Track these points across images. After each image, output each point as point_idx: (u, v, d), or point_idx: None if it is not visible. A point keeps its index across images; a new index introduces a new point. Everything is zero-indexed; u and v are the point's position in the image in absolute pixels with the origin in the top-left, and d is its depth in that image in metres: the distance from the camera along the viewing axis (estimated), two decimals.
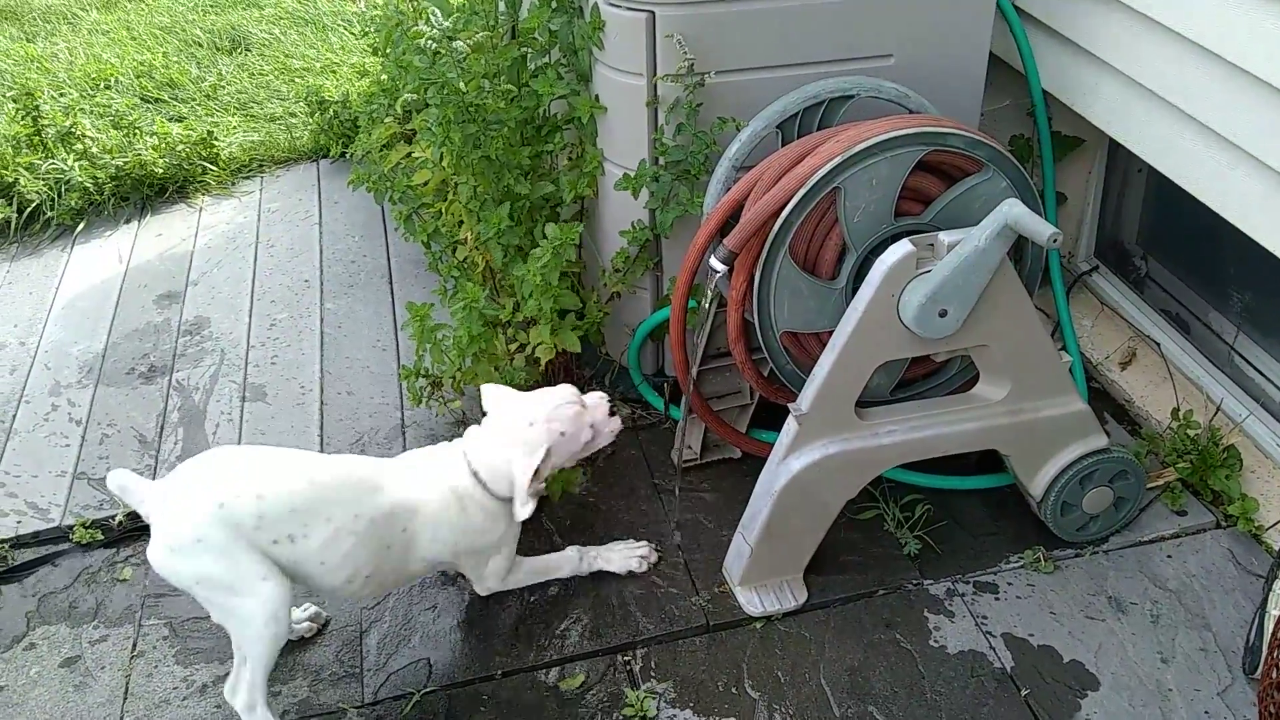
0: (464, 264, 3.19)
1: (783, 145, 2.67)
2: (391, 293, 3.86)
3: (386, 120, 3.73)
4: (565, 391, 2.51)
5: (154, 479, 3.04)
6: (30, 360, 3.69)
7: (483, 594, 2.60)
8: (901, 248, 2.38)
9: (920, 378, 2.74)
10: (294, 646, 2.63)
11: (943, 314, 2.41)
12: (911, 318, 2.41)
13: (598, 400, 2.56)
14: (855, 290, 2.47)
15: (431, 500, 2.39)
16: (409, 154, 3.49)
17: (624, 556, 2.76)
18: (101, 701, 2.54)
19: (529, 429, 2.42)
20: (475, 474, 2.42)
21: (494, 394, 2.52)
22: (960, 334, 2.47)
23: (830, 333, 2.53)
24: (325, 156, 4.79)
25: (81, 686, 2.58)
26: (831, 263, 2.56)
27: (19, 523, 3.02)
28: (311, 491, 2.23)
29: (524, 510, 2.35)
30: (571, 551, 2.72)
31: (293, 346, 3.63)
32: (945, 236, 2.38)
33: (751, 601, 2.67)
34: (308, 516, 2.21)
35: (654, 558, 2.78)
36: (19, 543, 2.97)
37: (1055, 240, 2.23)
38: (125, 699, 2.54)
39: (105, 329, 3.80)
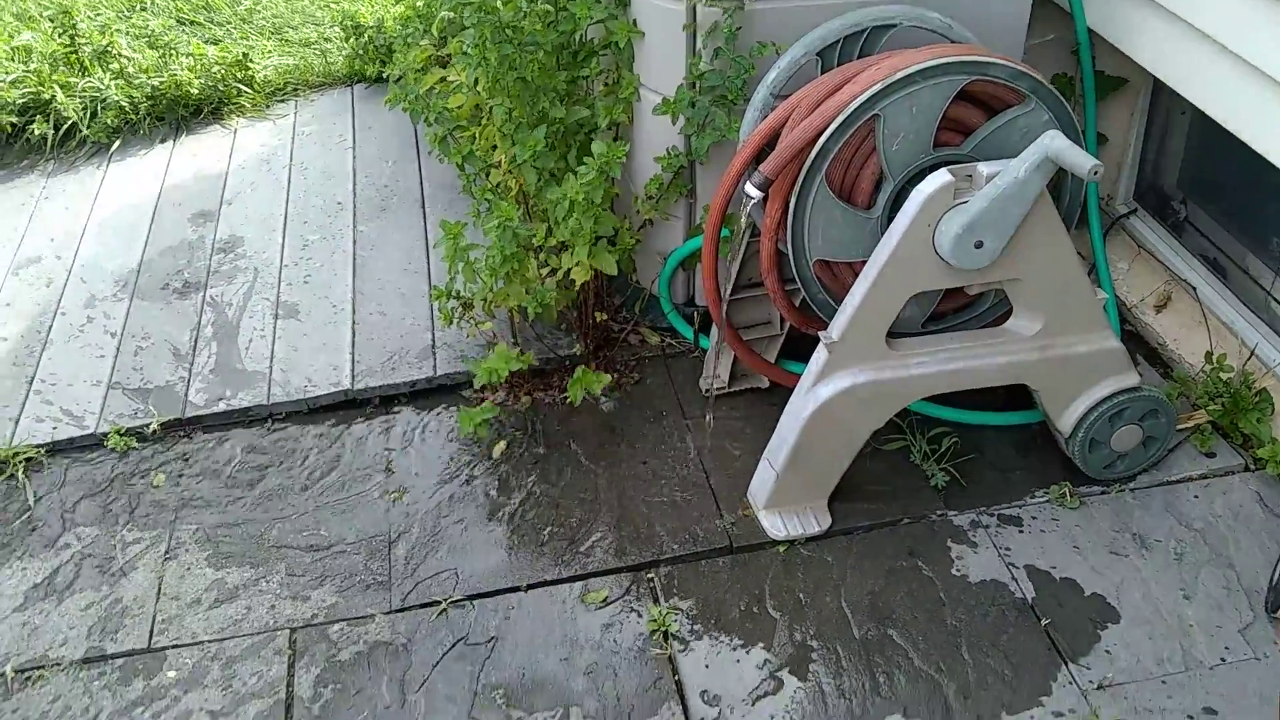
0: (497, 188, 3.19)
1: (822, 73, 2.65)
2: (424, 217, 3.87)
3: (422, 44, 3.71)
4: None
5: (187, 391, 3.12)
6: (66, 274, 3.72)
7: None
8: (940, 177, 2.37)
9: (953, 311, 2.73)
10: (322, 552, 2.67)
11: (979, 245, 2.40)
12: (947, 248, 2.40)
13: None
14: (891, 220, 2.47)
15: None
16: (444, 78, 3.48)
17: None
18: (134, 599, 2.60)
19: None
20: None
21: None
22: (996, 266, 2.46)
23: (864, 262, 2.53)
24: (359, 81, 4.78)
25: (115, 586, 2.64)
26: (868, 191, 2.55)
27: (55, 429, 3.07)
28: None
29: None
30: None
31: (325, 266, 3.65)
32: (984, 167, 2.37)
33: (775, 525, 2.69)
34: None
35: None
36: (55, 448, 3.02)
37: (1096, 173, 2.21)
38: (157, 599, 2.59)
39: (140, 245, 3.83)
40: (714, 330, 3.04)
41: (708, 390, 3.09)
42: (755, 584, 2.57)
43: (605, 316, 3.18)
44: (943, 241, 2.41)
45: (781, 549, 2.65)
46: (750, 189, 2.53)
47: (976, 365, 2.61)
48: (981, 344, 2.62)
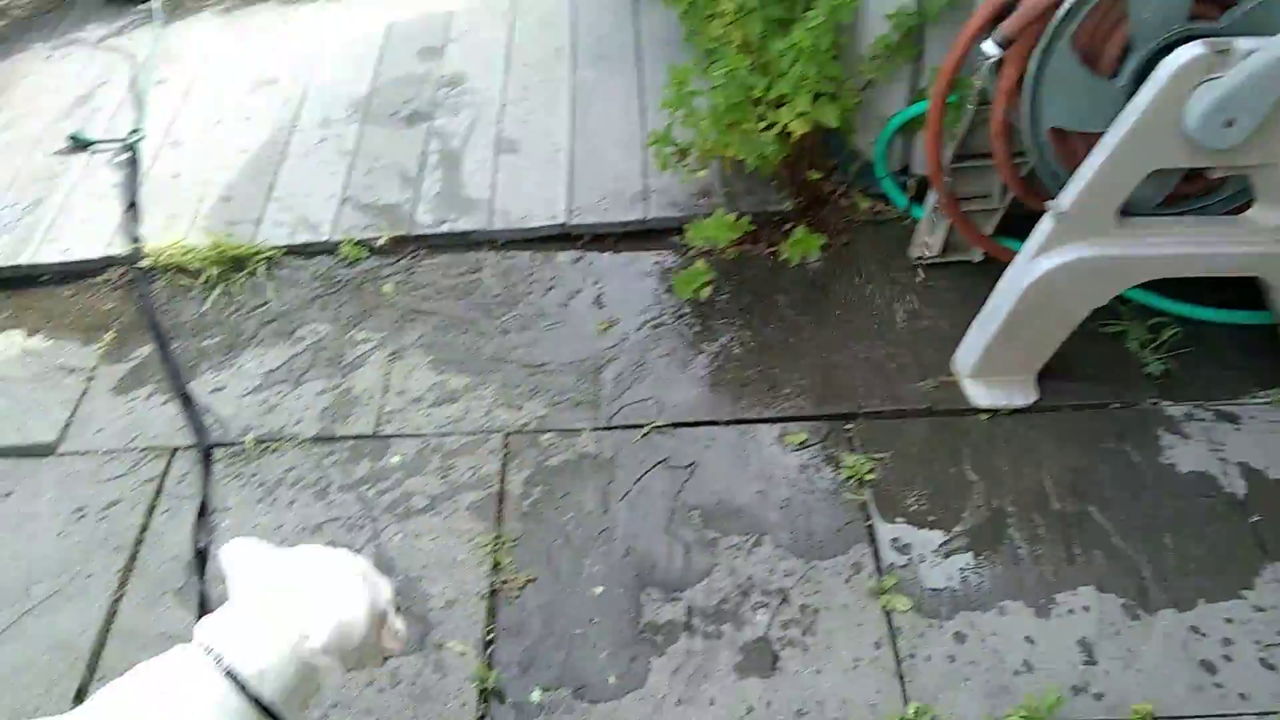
0: (719, 40, 3.19)
1: None
2: (639, 68, 3.91)
3: None
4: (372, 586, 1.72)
5: (414, 211, 3.27)
6: (302, 96, 3.91)
7: None
8: (1193, 48, 2.27)
9: (1190, 195, 2.64)
10: (535, 369, 2.81)
11: (1229, 124, 2.30)
12: (1194, 125, 2.31)
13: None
14: (1135, 90, 2.39)
15: None
16: None
17: None
18: (363, 391, 2.79)
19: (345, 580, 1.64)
20: (230, 673, 1.51)
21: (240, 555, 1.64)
22: (1245, 148, 2.36)
23: (1100, 135, 2.46)
24: None
25: (346, 378, 2.84)
26: (1113, 59, 2.46)
27: (292, 233, 3.28)
28: None
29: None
30: None
31: (544, 108, 3.74)
32: (1244, 43, 2.26)
33: (979, 394, 2.70)
34: None
35: None
36: (292, 250, 3.23)
37: None
38: (384, 393, 2.78)
39: (370, 75, 3.99)
40: (929, 199, 3.01)
41: (918, 258, 3.08)
42: (954, 447, 2.59)
43: (819, 175, 3.18)
44: (1190, 117, 2.32)
45: (984, 417, 2.66)
46: (988, 47, 2.48)
47: (1210, 253, 2.53)
48: (1218, 231, 2.54)
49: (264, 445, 2.68)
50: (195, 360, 2.93)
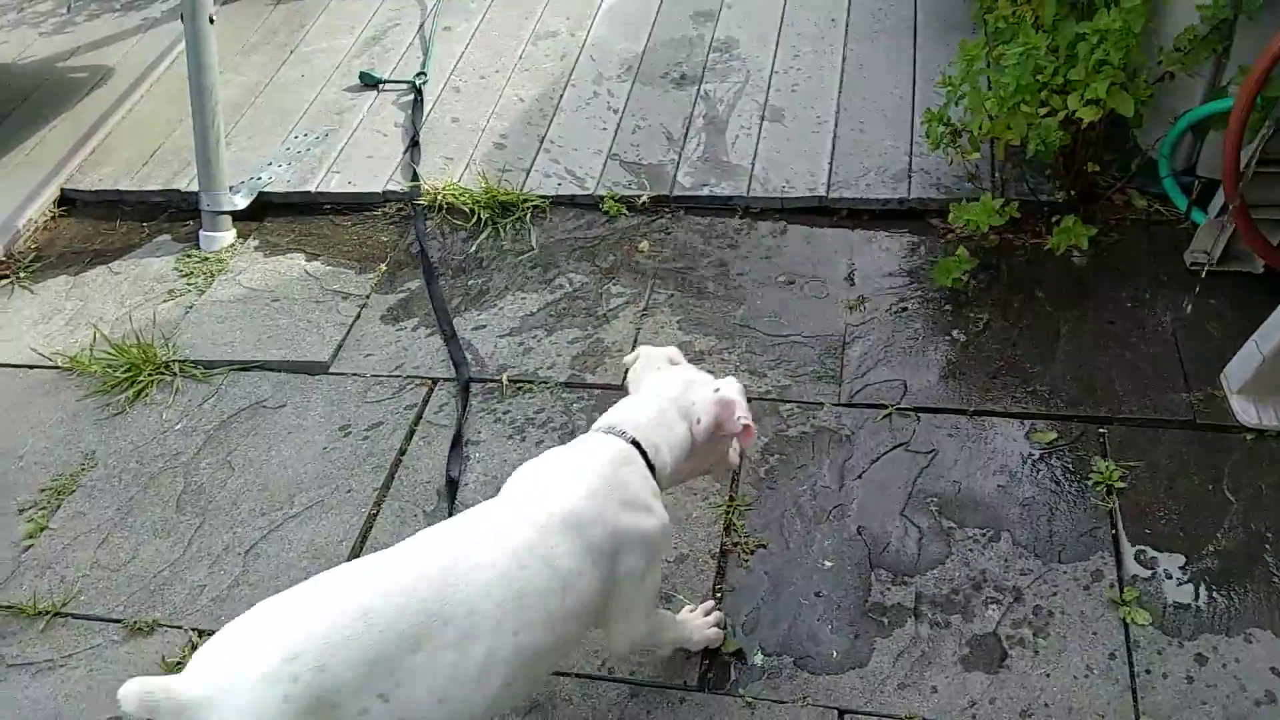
0: (1010, 18, 3.09)
1: None
2: (914, 46, 3.84)
3: None
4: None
5: (675, 172, 3.33)
6: (578, 51, 4.04)
7: (622, 651, 2.03)
8: None
9: None
10: (781, 340, 2.83)
11: None
12: None
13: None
14: None
15: (579, 490, 1.79)
16: None
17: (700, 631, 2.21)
18: (613, 342, 2.90)
19: (717, 384, 2.00)
20: (635, 443, 1.89)
21: (648, 362, 2.09)
22: None
23: None
24: None
25: (598, 329, 2.95)
26: None
27: (559, 185, 3.41)
28: (380, 627, 1.57)
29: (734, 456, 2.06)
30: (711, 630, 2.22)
31: (813, 79, 3.73)
32: None
33: (1247, 411, 2.55)
34: (402, 657, 1.58)
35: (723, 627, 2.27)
36: (558, 200, 3.36)
37: None
38: (634, 346, 2.86)
39: (645, 34, 4.07)
40: (1213, 204, 2.85)
41: (1194, 264, 2.92)
42: (1214, 464, 2.47)
43: (1096, 168, 3.06)
44: None
45: (1249, 436, 2.51)
46: None
47: None
48: None
49: (518, 385, 2.82)
50: (460, 298, 3.10)
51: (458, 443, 2.69)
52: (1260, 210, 2.81)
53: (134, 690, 1.46)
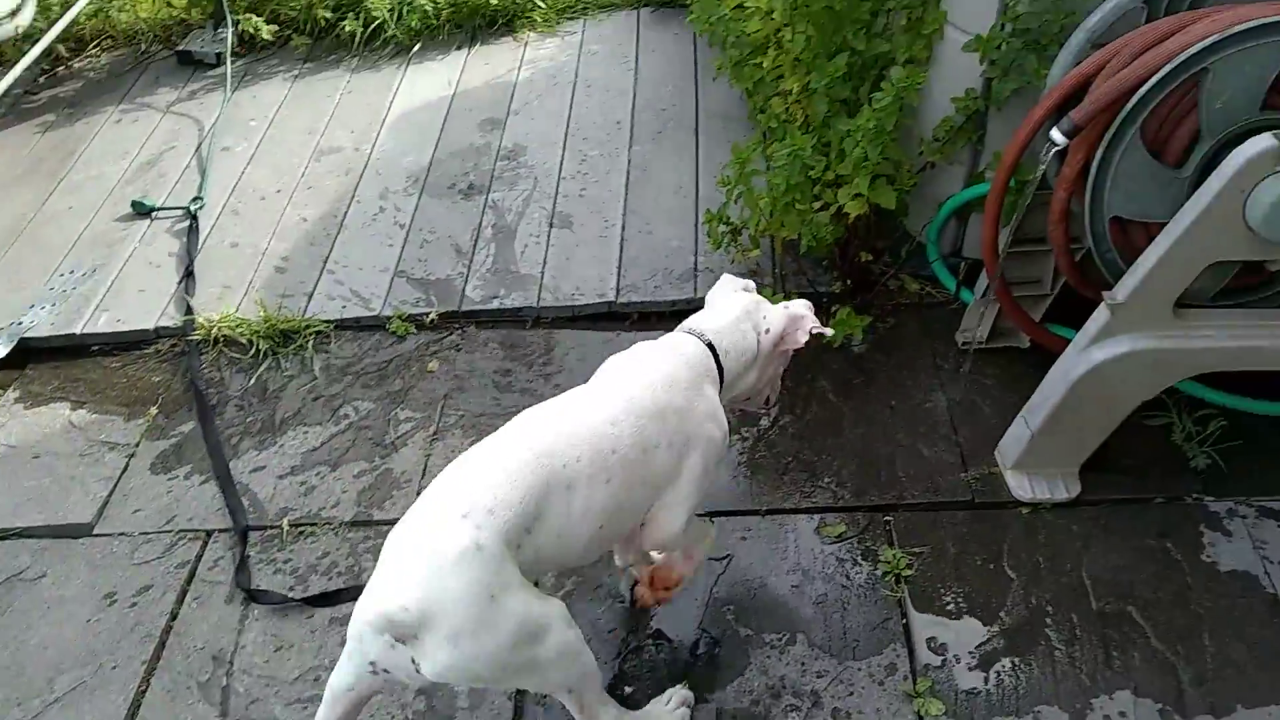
0: (782, 117, 3.19)
1: (1147, 21, 2.51)
2: (696, 144, 3.92)
3: None
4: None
5: (465, 286, 3.30)
6: (363, 165, 3.98)
7: (653, 544, 2.15)
8: (1262, 141, 2.21)
9: (1246, 287, 2.57)
10: None
11: None
12: (1259, 218, 2.25)
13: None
14: (1200, 181, 2.33)
15: (651, 401, 2.04)
16: (740, 4, 3.49)
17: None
18: (402, 473, 2.80)
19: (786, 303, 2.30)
20: (710, 346, 2.18)
21: (726, 284, 2.37)
22: None
23: (1160, 226, 2.40)
24: (646, 5, 4.85)
25: (386, 459, 2.85)
26: (1180, 149, 2.41)
27: (344, 308, 3.32)
28: (518, 476, 1.88)
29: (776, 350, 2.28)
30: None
31: (600, 183, 3.76)
32: None
33: (1022, 486, 2.63)
34: (541, 498, 1.88)
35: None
36: (342, 325, 3.27)
37: None
38: (423, 475, 2.79)
39: (431, 145, 4.05)
40: (979, 283, 2.97)
41: (965, 343, 3.02)
42: (994, 541, 2.53)
43: (869, 257, 3.15)
44: (1255, 210, 2.25)
45: (1025, 511, 2.59)
46: (1056, 136, 2.44)
47: (1267, 346, 2.45)
48: (1275, 324, 2.46)
49: (299, 529, 2.69)
50: (238, 437, 2.96)
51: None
52: (1022, 287, 2.94)
53: (380, 623, 1.75)
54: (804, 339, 2.27)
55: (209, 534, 2.71)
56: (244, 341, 3.22)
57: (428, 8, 4.69)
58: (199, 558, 2.64)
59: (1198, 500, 2.59)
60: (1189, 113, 2.34)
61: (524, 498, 1.85)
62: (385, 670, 1.82)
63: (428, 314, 3.26)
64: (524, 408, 2.05)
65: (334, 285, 3.41)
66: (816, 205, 3.00)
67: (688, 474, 2.07)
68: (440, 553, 1.77)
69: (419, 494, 2.22)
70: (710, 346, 2.17)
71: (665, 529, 2.10)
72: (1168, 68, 2.27)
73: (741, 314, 2.25)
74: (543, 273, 3.37)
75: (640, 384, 2.06)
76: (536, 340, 3.18)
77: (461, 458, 1.96)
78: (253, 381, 3.13)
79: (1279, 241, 2.27)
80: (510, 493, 1.85)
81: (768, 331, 2.25)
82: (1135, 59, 2.33)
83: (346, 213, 3.74)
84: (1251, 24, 2.21)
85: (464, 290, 3.33)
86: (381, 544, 2.57)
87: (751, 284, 2.38)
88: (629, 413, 2.00)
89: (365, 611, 1.77)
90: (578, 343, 3.16)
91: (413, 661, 1.79)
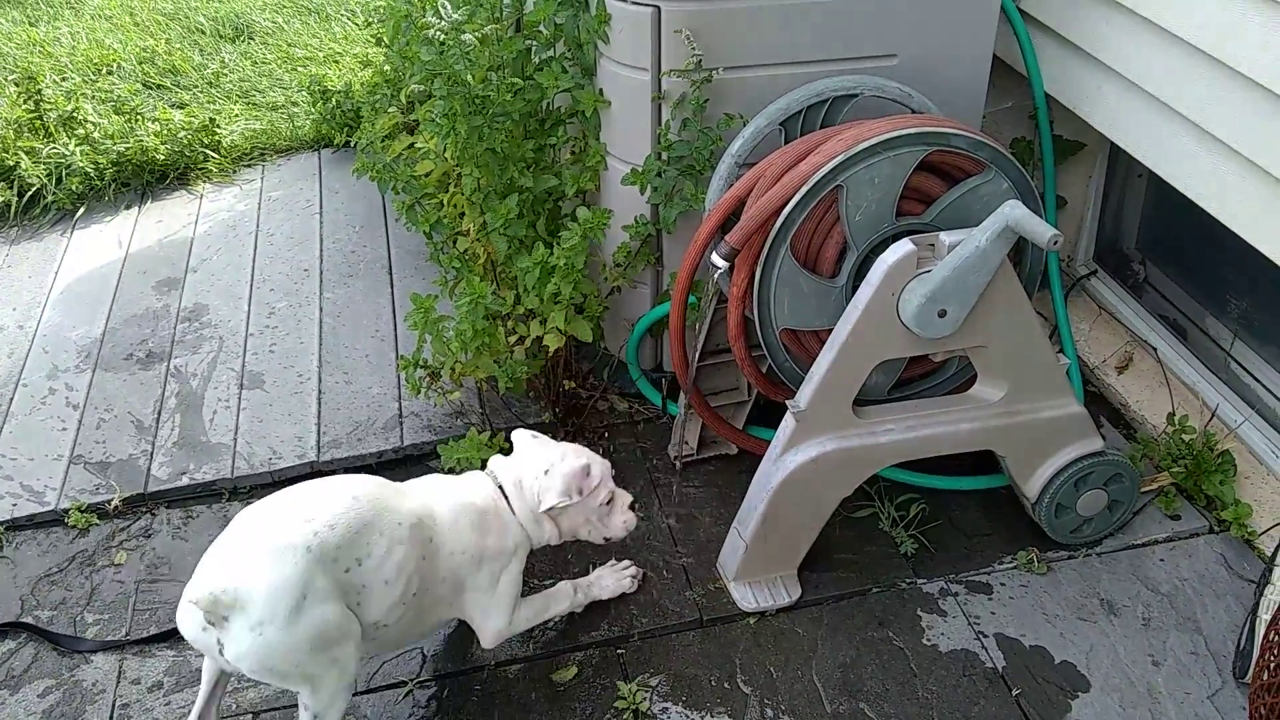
0: (465, 256, 3.19)
1: (786, 143, 2.68)
2: (391, 284, 3.87)
3: (390, 110, 3.74)
4: (600, 463, 2.50)
5: (150, 464, 3.07)
6: (29, 344, 3.68)
7: (489, 644, 2.43)
8: (902, 247, 2.39)
9: (918, 377, 2.75)
10: None
11: (942, 314, 2.42)
12: (911, 317, 2.42)
13: (624, 495, 2.55)
14: (855, 288, 2.48)
15: (451, 507, 2.33)
16: (411, 144, 3.49)
17: (615, 580, 2.69)
18: (94, 685, 2.55)
19: (563, 464, 2.41)
20: (500, 487, 2.40)
21: (523, 437, 2.51)
22: (959, 334, 2.47)
23: (829, 331, 2.54)
24: (327, 146, 4.78)
25: (74, 671, 2.58)
26: (832, 261, 2.57)
27: (15, 505, 3.02)
28: (360, 506, 2.15)
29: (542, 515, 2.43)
30: (565, 585, 2.60)
31: (291, 335, 3.63)
32: (946, 237, 2.40)
33: (745, 597, 2.67)
34: (367, 534, 2.13)
35: (640, 576, 2.74)
36: (14, 525, 2.97)
37: (1055, 242, 2.24)
38: (118, 684, 2.54)
39: (104, 314, 3.80)
40: (682, 397, 3.04)
41: (676, 457, 3.08)
42: (726, 658, 2.55)
43: (574, 384, 3.18)
44: (906, 310, 2.42)
45: (752, 620, 2.63)
46: (716, 259, 2.55)
47: (943, 432, 2.62)
48: (947, 411, 2.64)
49: None
50: None
51: None
52: (723, 395, 3.03)
53: (203, 601, 1.94)
54: (545, 508, 2.38)
55: None
56: None
57: (89, 169, 4.44)
58: None
59: (911, 584, 2.72)
60: (834, 227, 2.50)
61: (359, 529, 2.10)
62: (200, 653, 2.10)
63: (110, 500, 3.01)
64: None
65: (3, 482, 3.10)
66: (512, 339, 3.00)
67: (484, 583, 2.34)
68: (271, 546, 2.01)
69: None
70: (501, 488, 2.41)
71: (487, 629, 2.39)
72: (805, 188, 2.42)
73: (527, 473, 2.41)
74: (235, 439, 3.19)
75: (443, 500, 2.32)
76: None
77: (310, 483, 2.23)
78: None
79: (933, 336, 2.45)
80: (350, 519, 2.10)
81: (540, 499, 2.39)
82: (777, 181, 2.48)
83: (12, 399, 3.43)
84: (874, 139, 2.40)
85: (149, 469, 3.10)
86: None
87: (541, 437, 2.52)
88: (435, 505, 2.30)
89: (190, 591, 2.01)
90: None
91: (219, 644, 1.99)
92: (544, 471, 2.39)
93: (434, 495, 2.34)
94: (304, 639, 2.00)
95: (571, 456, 2.42)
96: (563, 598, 2.57)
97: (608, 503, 2.47)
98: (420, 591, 2.23)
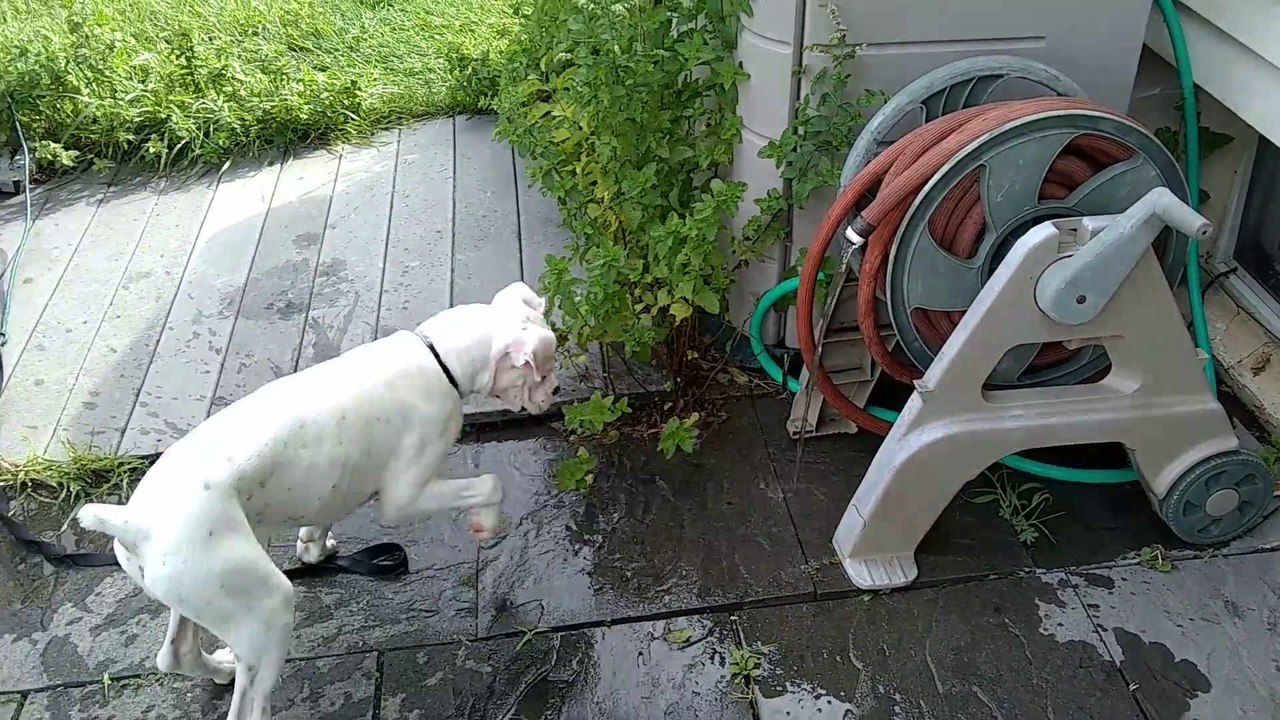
0: (596, 223, 3.24)
1: (927, 121, 2.66)
2: (520, 249, 3.94)
3: (529, 78, 3.80)
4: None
5: None
6: (175, 290, 3.85)
7: (391, 516, 2.45)
8: (1044, 230, 2.37)
9: (1049, 365, 2.72)
10: (410, 579, 2.73)
11: (1081, 300, 2.39)
12: (1048, 302, 2.39)
13: (554, 380, 2.68)
14: (992, 270, 2.47)
15: (387, 378, 2.38)
16: (548, 113, 3.55)
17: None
18: None
19: (540, 329, 2.54)
20: (431, 346, 2.45)
21: (513, 292, 2.65)
22: (1097, 322, 2.44)
23: (962, 312, 2.53)
24: (462, 113, 4.89)
25: None
26: (969, 241, 2.55)
27: (159, 441, 3.17)
28: (279, 429, 2.20)
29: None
30: (488, 479, 2.56)
31: (424, 293, 3.73)
32: (1089, 222, 2.36)
33: (861, 574, 2.68)
34: (291, 450, 2.20)
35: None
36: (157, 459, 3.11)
37: (1204, 231, 2.20)
38: None
39: (246, 264, 3.96)
40: (803, 373, 3.05)
41: (795, 433, 3.09)
42: (839, 633, 2.56)
43: (696, 354, 3.21)
44: (1044, 295, 2.40)
45: (867, 598, 2.64)
46: (851, 235, 2.55)
47: (1073, 421, 2.59)
48: (1079, 400, 2.60)
49: (122, 683, 2.53)
50: (50, 587, 2.78)
51: None
52: (845, 374, 3.03)
53: (89, 513, 2.00)
54: (521, 361, 2.49)
55: (24, 695, 2.51)
56: (54, 484, 3.03)
57: (235, 125, 4.61)
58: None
59: (1030, 573, 2.69)
60: (973, 207, 2.48)
61: (261, 452, 2.15)
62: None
63: None
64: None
65: (148, 419, 3.26)
66: (639, 308, 3.04)
67: (406, 449, 2.37)
68: (173, 483, 2.08)
69: None
70: (432, 347, 2.45)
71: (395, 500, 2.41)
72: (946, 166, 2.40)
73: (480, 326, 2.51)
74: None
75: (369, 369, 2.39)
76: None
77: (220, 413, 2.29)
78: (66, 526, 2.94)
79: (1070, 323, 2.42)
80: (250, 445, 2.14)
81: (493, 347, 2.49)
82: (917, 159, 2.47)
83: (158, 341, 3.59)
84: (1021, 120, 2.37)
85: None
86: (211, 695, 2.48)
87: (535, 299, 2.67)
88: (359, 387, 2.34)
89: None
90: None
91: (140, 571, 2.06)
92: (522, 328, 2.50)
93: (363, 372, 2.38)
94: (213, 574, 2.04)
95: (534, 327, 2.54)
96: (483, 486, 2.54)
97: (542, 380, 2.58)
98: (353, 472, 2.31)
